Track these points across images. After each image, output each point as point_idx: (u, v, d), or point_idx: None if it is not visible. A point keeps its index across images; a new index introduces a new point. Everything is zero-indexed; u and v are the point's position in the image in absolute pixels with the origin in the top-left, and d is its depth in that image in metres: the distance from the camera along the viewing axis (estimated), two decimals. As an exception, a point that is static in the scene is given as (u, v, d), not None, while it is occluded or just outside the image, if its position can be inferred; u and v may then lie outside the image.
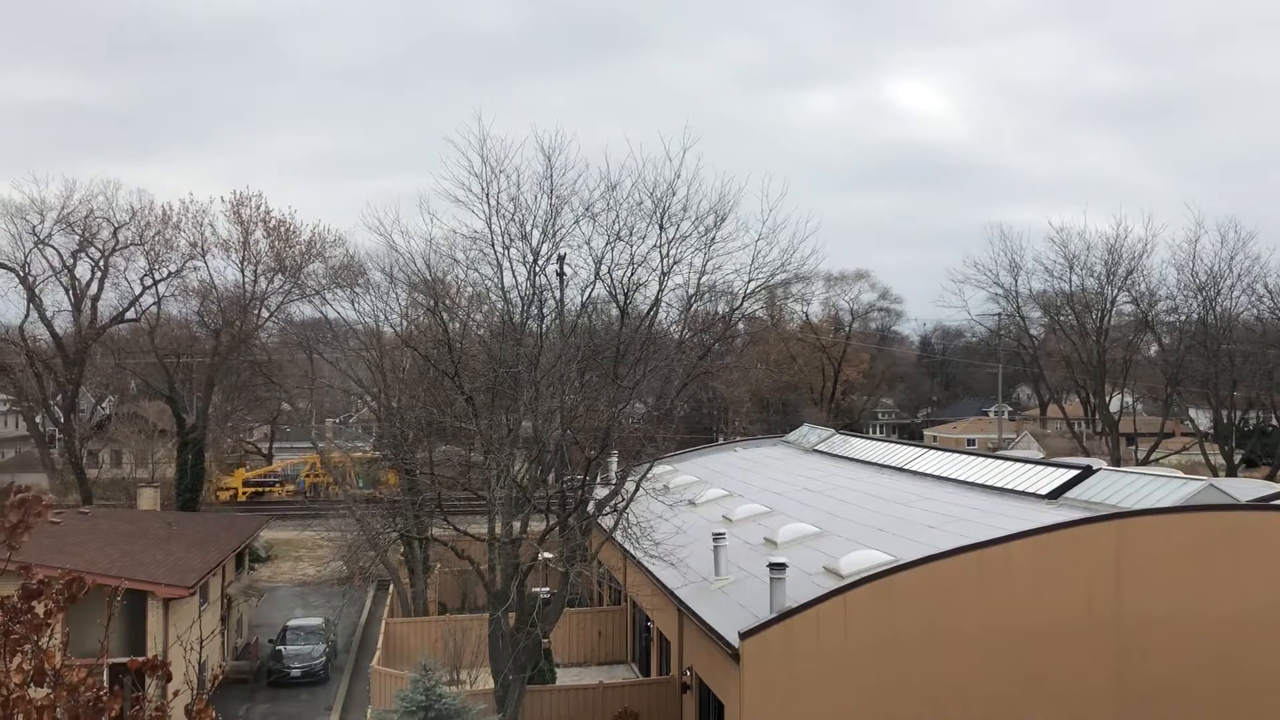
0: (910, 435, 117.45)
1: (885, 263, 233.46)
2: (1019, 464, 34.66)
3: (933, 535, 27.41)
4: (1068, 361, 76.25)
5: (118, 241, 63.35)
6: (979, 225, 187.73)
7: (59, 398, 67.19)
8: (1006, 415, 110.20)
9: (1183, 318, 73.30)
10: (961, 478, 35.19)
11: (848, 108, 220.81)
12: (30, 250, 62.74)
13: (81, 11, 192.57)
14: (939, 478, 36.33)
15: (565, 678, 34.02)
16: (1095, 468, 31.34)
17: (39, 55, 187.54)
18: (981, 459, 37.68)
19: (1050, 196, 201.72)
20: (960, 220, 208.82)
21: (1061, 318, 75.69)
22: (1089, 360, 72.76)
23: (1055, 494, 29.87)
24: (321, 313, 51.81)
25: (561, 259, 29.67)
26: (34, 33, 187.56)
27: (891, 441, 59.25)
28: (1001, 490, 32.23)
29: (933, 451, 41.82)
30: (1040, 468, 33.37)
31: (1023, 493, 31.18)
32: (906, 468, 39.39)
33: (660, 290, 28.00)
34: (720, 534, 29.25)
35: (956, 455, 39.86)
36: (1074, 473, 30.88)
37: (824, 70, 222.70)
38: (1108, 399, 76.04)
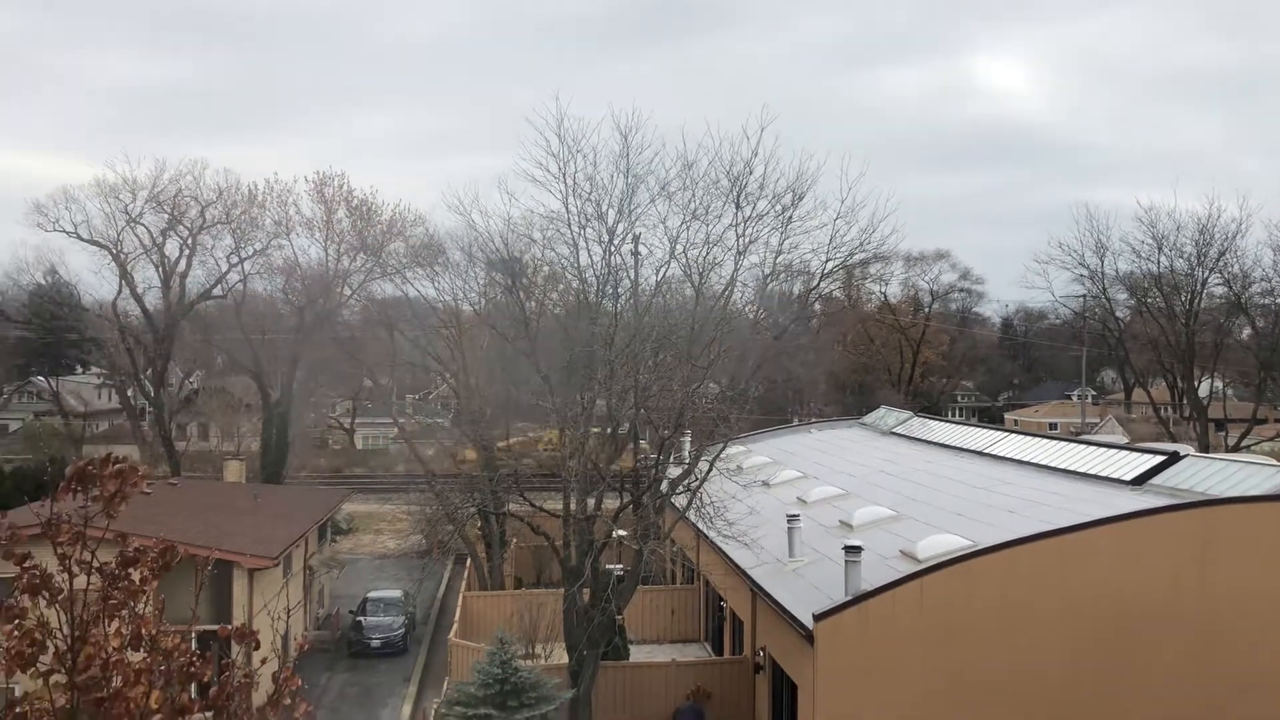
0: (991, 419, 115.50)
1: (967, 242, 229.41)
2: (1102, 449, 33.88)
3: (1012, 520, 26.98)
4: (1155, 344, 74.31)
5: (205, 220, 64.97)
6: (1064, 205, 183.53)
7: (149, 372, 69.20)
8: (1090, 399, 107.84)
9: (1279, 300, 71.05)
10: (1042, 462, 34.53)
11: (931, 86, 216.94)
12: (122, 228, 64.70)
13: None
14: (1019, 462, 35.69)
15: (638, 654, 34.24)
16: (1182, 454, 30.49)
17: (128, 37, 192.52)
18: (1063, 443, 36.89)
19: (1139, 176, 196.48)
20: (1045, 200, 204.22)
21: (1149, 300, 73.77)
22: (1177, 343, 70.83)
23: (1140, 480, 29.16)
24: (402, 291, 52.54)
25: (636, 238, 29.74)
26: (121, 14, 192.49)
27: (971, 425, 58.37)
28: (1084, 475, 31.56)
29: (1013, 435, 41.06)
30: (1124, 453, 32.59)
31: (1106, 478, 30.50)
32: (986, 451, 38.75)
33: (735, 270, 27.98)
34: (794, 515, 29.10)
35: (1038, 439, 39.07)
36: (1160, 459, 30.09)
37: (907, 48, 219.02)
38: (1196, 383, 73.96)
